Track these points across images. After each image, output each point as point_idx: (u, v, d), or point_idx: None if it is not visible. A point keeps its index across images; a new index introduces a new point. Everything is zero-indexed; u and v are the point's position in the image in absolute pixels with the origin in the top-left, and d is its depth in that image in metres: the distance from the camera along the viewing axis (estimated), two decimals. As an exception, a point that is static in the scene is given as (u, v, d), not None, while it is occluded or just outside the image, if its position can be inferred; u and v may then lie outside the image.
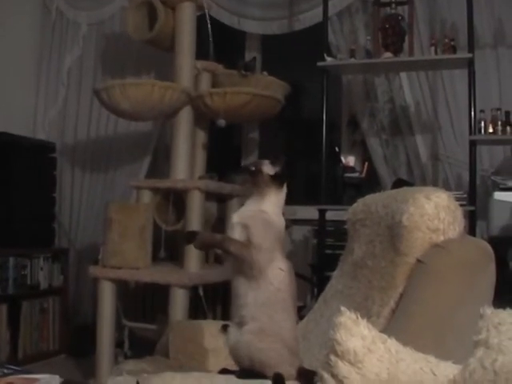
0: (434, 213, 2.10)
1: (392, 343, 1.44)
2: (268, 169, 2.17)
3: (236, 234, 2.13)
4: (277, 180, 2.17)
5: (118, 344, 4.48)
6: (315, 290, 4.35)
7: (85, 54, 5.75)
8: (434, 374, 1.39)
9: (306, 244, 5.01)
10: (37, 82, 5.87)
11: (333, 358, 1.40)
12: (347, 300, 2.38)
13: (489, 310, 1.45)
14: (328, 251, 4.24)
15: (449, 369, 1.41)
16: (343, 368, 1.38)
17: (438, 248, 2.05)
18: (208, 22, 4.61)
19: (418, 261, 2.07)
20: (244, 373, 2.02)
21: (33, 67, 5.86)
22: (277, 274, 2.12)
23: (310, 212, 4.54)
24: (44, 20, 5.91)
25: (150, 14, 4.62)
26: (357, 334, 1.41)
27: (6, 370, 2.09)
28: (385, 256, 2.25)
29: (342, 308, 1.47)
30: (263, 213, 2.15)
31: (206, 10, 4.64)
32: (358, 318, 1.45)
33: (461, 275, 1.97)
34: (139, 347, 4.37)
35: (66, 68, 5.79)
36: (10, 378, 1.97)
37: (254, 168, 2.18)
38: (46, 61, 5.86)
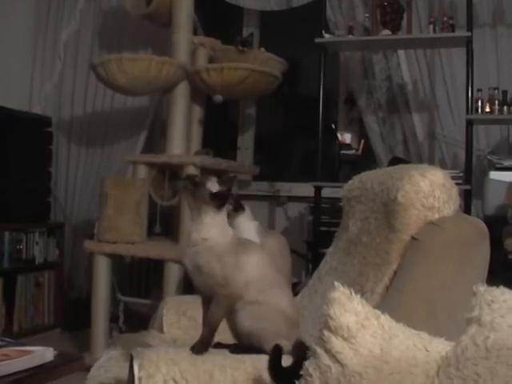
0: (429, 190, 2.09)
1: (385, 319, 1.45)
2: (212, 186, 2.05)
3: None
4: (217, 199, 2.06)
5: (113, 318, 4.50)
6: (310, 266, 4.37)
7: (82, 28, 5.71)
8: (427, 350, 1.40)
9: (302, 221, 5.01)
10: (33, 56, 5.85)
11: (326, 333, 1.41)
12: (341, 276, 2.38)
13: (482, 288, 1.46)
14: (323, 228, 4.24)
15: (441, 345, 1.42)
16: (336, 343, 1.39)
17: (433, 225, 2.05)
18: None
19: (413, 238, 2.07)
20: (238, 347, 2.02)
21: (29, 41, 5.82)
22: (252, 272, 2.08)
23: (306, 189, 4.54)
24: (40, -8, 5.87)
25: (147, -11, 4.60)
26: (350, 309, 1.42)
27: (0, 343, 2.10)
28: (379, 233, 2.25)
29: (336, 283, 1.48)
30: (205, 242, 2.06)
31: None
32: (351, 293, 1.45)
33: (455, 253, 1.97)
34: (134, 322, 4.39)
35: (63, 42, 5.76)
36: (5, 350, 1.98)
37: (198, 180, 2.09)
38: (43, 35, 5.83)
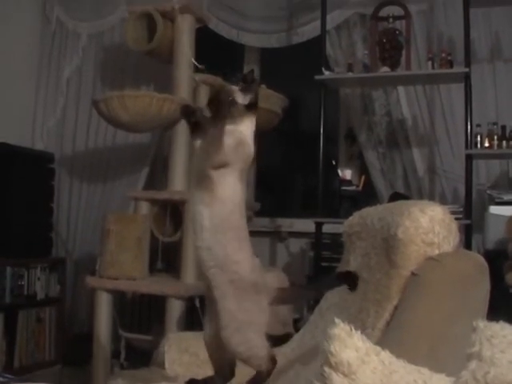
0: (428, 226, 2.11)
1: (385, 355, 1.45)
2: (241, 98, 2.05)
3: None
4: (251, 109, 2.07)
5: (115, 354, 4.48)
6: (311, 301, 4.36)
7: (84, 64, 5.76)
8: (427, 386, 1.40)
9: (303, 256, 5.02)
10: (36, 92, 5.89)
11: (327, 369, 1.41)
12: (343, 312, 2.39)
13: (482, 323, 1.46)
14: (324, 264, 4.26)
15: (442, 381, 1.42)
16: (337, 379, 1.38)
17: (433, 261, 2.07)
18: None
19: (413, 273, 2.08)
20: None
21: (32, 77, 5.87)
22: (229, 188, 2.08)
23: (307, 225, 4.56)
24: (44, 29, 5.93)
25: (149, 26, 4.65)
26: (351, 345, 1.42)
27: (1, 379, 2.10)
28: (380, 268, 2.26)
29: (336, 320, 1.48)
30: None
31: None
32: (351, 329, 1.46)
33: (454, 288, 1.98)
34: (135, 358, 4.37)
35: (65, 78, 5.80)
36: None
37: (229, 98, 2.05)
38: (46, 70, 5.88)
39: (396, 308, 2.12)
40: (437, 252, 2.11)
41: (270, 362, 2.04)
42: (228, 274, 2.01)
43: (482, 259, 2.14)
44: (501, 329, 1.43)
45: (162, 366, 2.74)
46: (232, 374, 2.11)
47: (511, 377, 1.29)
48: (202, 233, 2.03)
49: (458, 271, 2.04)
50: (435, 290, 1.98)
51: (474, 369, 1.35)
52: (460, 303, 1.96)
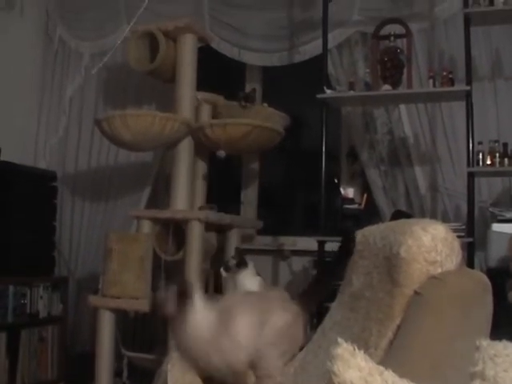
0: (431, 245, 2.12)
1: (388, 375, 1.46)
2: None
3: None
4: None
5: (117, 373, 4.48)
6: (314, 320, 4.36)
7: (86, 83, 5.80)
8: (430, 406, 1.41)
9: (306, 274, 5.01)
10: (38, 111, 5.93)
11: (330, 389, 1.42)
12: (345, 331, 2.39)
13: (485, 342, 1.47)
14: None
15: (445, 401, 1.43)
16: (341, 400, 1.39)
17: (435, 280, 2.07)
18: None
19: (416, 292, 2.09)
20: None
21: (34, 95, 5.91)
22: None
23: (309, 243, 4.58)
24: (46, 48, 5.97)
25: (151, 46, 4.69)
26: (354, 365, 1.42)
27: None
28: (382, 287, 2.27)
29: (339, 340, 1.49)
30: None
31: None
32: (355, 349, 1.46)
33: (457, 307, 1.99)
34: (137, 377, 4.37)
35: (68, 97, 5.84)
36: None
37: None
38: (48, 89, 5.92)
39: (399, 327, 2.13)
40: (439, 270, 2.12)
41: None
42: None
43: (484, 277, 2.14)
44: (504, 348, 1.44)
45: (165, 385, 2.73)
46: None
47: (515, 396, 1.30)
48: None
49: (460, 290, 2.05)
50: (438, 309, 1.99)
51: (477, 388, 1.36)
52: (463, 322, 1.97)
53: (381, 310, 2.23)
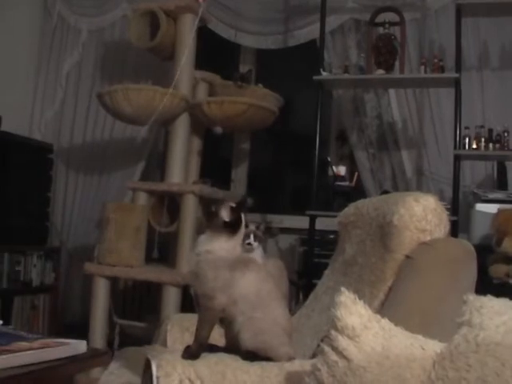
0: (422, 214, 2.27)
1: (385, 322, 1.60)
2: (225, 214, 2.15)
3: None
4: (229, 227, 2.17)
5: (108, 342, 4.56)
6: (300, 295, 4.48)
7: (84, 59, 5.88)
8: (423, 349, 1.54)
9: (293, 252, 5.13)
10: (35, 84, 5.99)
11: (333, 332, 1.55)
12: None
13: (471, 296, 1.61)
14: (314, 260, 4.38)
15: (436, 345, 1.57)
16: (342, 341, 1.52)
17: (425, 245, 2.22)
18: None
19: (407, 257, 2.24)
20: (249, 355, 2.09)
21: (32, 69, 5.98)
22: (246, 287, 2.15)
23: (297, 221, 4.73)
24: (45, 24, 6.04)
25: (152, 24, 4.76)
26: (355, 312, 1.57)
27: (31, 335, 2.24)
28: (375, 253, 2.41)
29: (342, 288, 1.64)
30: (209, 254, 2.15)
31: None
32: (355, 298, 1.62)
33: (445, 270, 2.13)
34: (128, 345, 4.48)
35: (65, 72, 5.92)
36: (44, 341, 2.13)
37: (213, 209, 2.18)
38: (45, 63, 5.99)
39: (390, 289, 2.27)
40: (429, 238, 2.26)
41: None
42: None
43: (470, 245, 2.29)
44: (489, 300, 1.58)
45: (164, 344, 2.85)
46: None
47: (499, 338, 1.45)
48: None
49: (449, 255, 2.20)
50: (428, 271, 2.13)
51: (465, 333, 1.51)
52: (451, 284, 2.11)
53: (373, 273, 2.37)
